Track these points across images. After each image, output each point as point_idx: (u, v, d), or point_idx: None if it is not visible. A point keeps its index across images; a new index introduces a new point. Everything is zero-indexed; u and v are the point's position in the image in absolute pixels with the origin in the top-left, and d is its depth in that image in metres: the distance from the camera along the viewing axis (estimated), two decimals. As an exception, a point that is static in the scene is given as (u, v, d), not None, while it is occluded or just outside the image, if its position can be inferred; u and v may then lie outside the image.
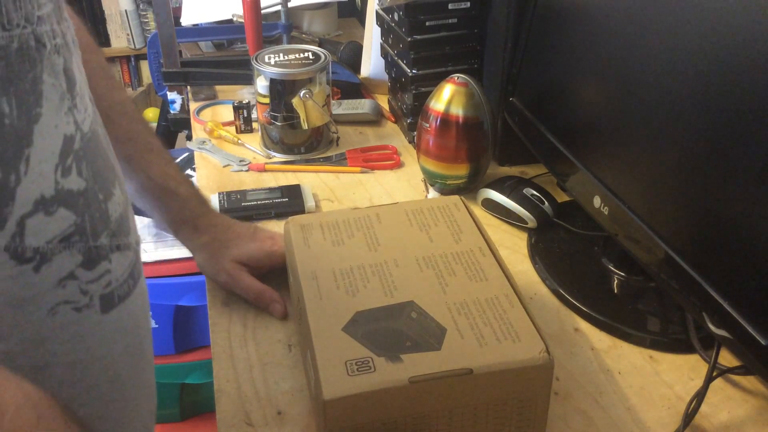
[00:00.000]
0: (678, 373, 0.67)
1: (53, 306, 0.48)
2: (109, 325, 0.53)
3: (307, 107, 1.00)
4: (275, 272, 0.76)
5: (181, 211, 0.75)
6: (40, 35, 0.44)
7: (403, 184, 0.98)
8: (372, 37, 1.19)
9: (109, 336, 0.53)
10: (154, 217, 0.76)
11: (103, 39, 2.88)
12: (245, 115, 1.10)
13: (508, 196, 0.87)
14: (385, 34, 1.08)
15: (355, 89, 1.22)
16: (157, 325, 1.38)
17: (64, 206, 0.47)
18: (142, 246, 1.30)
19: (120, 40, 2.91)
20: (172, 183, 0.74)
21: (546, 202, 0.86)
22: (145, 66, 3.01)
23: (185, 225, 0.75)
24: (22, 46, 0.43)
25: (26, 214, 0.45)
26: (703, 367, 0.65)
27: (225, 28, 1.43)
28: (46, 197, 0.46)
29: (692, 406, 0.61)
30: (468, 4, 0.95)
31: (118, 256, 0.53)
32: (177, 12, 1.45)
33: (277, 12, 1.29)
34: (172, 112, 1.31)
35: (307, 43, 1.34)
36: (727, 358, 0.66)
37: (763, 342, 0.53)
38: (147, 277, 1.34)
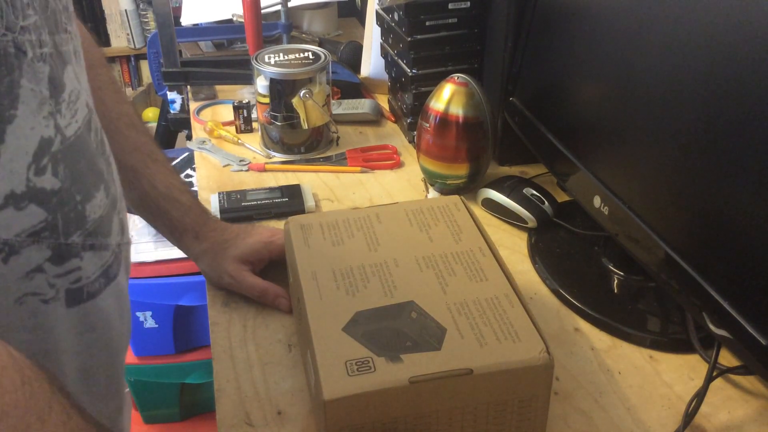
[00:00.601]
0: (678, 373, 0.67)
1: (20, 296, 0.50)
2: (74, 319, 0.55)
3: (307, 107, 1.00)
4: (276, 271, 0.76)
5: (183, 220, 0.76)
6: (21, 43, 0.47)
7: (403, 184, 0.98)
8: (372, 37, 1.19)
9: (73, 329, 0.55)
10: (157, 227, 0.78)
11: (103, 39, 2.88)
12: (245, 115, 1.10)
13: (508, 196, 0.87)
14: (385, 33, 1.08)
15: (355, 89, 1.22)
16: (157, 325, 1.38)
17: (35, 203, 0.49)
18: (142, 246, 1.31)
19: (120, 40, 2.91)
20: (175, 192, 0.76)
21: (546, 202, 0.86)
22: (145, 66, 3.01)
23: (187, 233, 0.77)
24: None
25: None
26: (703, 367, 0.65)
27: (225, 28, 1.43)
28: (17, 193, 0.48)
29: (692, 406, 0.61)
30: (468, 3, 0.95)
31: (92, 255, 0.55)
32: (177, 12, 1.45)
33: (277, 12, 1.29)
34: (172, 111, 1.31)
35: (307, 42, 1.34)
36: (727, 358, 0.66)
37: (763, 342, 0.53)
38: (147, 277, 1.35)
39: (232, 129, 1.11)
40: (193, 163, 1.07)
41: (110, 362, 0.61)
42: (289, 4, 1.28)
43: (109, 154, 0.60)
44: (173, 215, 0.76)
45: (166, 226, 0.77)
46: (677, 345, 0.69)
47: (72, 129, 0.52)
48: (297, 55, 1.01)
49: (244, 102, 1.10)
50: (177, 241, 0.78)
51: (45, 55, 0.49)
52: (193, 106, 1.21)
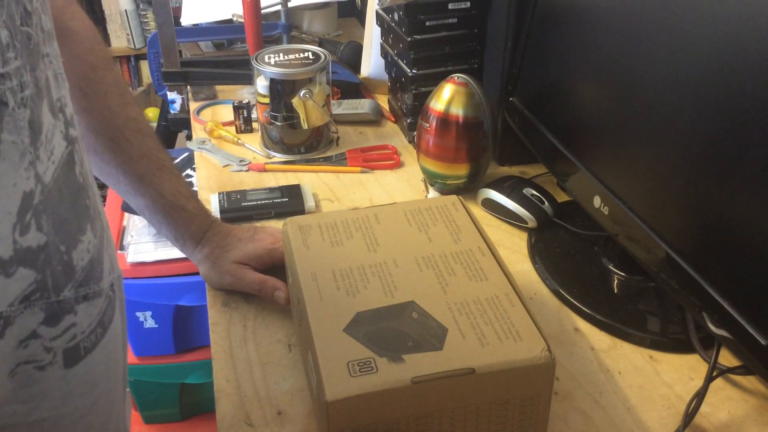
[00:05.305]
0: (678, 373, 0.67)
1: (13, 368, 0.47)
2: (75, 379, 0.51)
3: (307, 107, 1.00)
4: (276, 274, 0.76)
5: (188, 227, 0.76)
6: (2, 94, 0.42)
7: (403, 184, 0.98)
8: (372, 37, 1.19)
9: (75, 390, 0.52)
10: (161, 232, 0.77)
11: (103, 39, 2.88)
12: (245, 115, 1.10)
13: (508, 196, 0.87)
14: (385, 34, 1.08)
15: (355, 89, 1.22)
16: (157, 325, 1.38)
17: (23, 265, 0.45)
18: (142, 246, 1.31)
19: (120, 40, 2.91)
20: (181, 200, 0.75)
21: (546, 202, 0.86)
22: (145, 66, 3.01)
23: (192, 240, 0.76)
24: None
25: None
26: (703, 367, 0.65)
27: (225, 28, 1.43)
28: (5, 258, 0.44)
29: (692, 406, 0.61)
30: (468, 4, 0.95)
31: (86, 306, 0.52)
32: (177, 12, 1.45)
33: (277, 12, 1.29)
34: (172, 112, 1.31)
35: (307, 43, 1.34)
36: (727, 358, 0.66)
37: (763, 342, 0.53)
38: (147, 277, 1.35)
39: (232, 129, 1.11)
40: (193, 163, 1.07)
41: (115, 411, 0.58)
42: (289, 4, 1.28)
43: (93, 183, 0.55)
44: (179, 223, 0.75)
45: (171, 232, 0.76)
46: (677, 345, 0.69)
47: (50, 173, 0.48)
48: (297, 55, 1.01)
49: (244, 102, 1.10)
50: (180, 246, 0.77)
51: (26, 98, 0.44)
52: (193, 106, 1.21)
